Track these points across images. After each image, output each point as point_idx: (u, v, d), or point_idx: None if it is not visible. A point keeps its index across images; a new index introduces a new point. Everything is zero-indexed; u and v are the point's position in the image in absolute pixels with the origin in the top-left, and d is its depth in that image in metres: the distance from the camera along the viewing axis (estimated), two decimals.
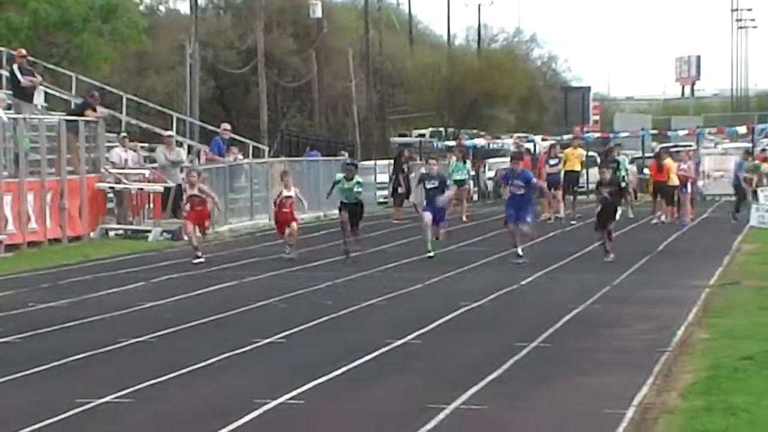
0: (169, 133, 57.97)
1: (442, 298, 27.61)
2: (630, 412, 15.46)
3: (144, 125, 60.62)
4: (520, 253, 34.36)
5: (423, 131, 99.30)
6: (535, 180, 37.40)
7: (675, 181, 53.24)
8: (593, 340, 22.35)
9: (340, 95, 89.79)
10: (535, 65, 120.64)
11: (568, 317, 24.52)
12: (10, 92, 49.14)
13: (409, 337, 22.32)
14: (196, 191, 36.33)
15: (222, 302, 27.73)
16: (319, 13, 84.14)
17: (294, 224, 37.61)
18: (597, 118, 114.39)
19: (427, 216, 35.70)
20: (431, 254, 35.39)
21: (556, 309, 25.24)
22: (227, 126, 57.69)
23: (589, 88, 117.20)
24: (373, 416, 15.95)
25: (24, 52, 51.41)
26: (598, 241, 36.24)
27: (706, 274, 32.05)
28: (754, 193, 52.59)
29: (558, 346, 21.42)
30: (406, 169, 62.95)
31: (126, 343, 21.90)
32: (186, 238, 36.84)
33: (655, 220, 54.17)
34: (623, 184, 39.93)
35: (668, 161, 55.21)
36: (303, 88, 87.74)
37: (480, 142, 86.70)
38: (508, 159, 70.41)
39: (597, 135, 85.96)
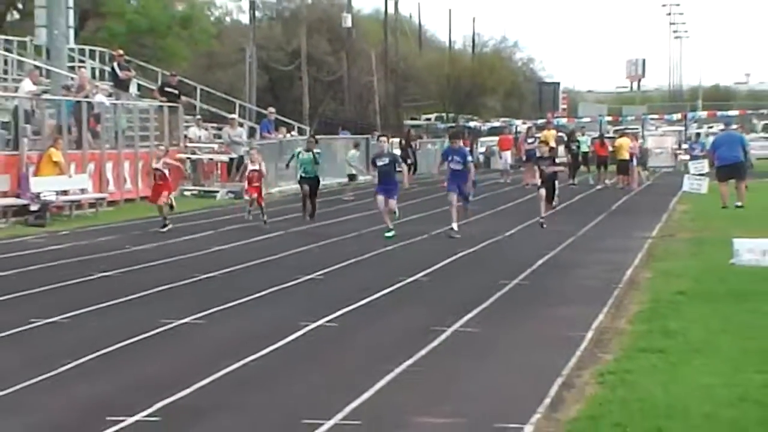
0: (233, 116, 58.59)
1: (443, 246, 27.47)
2: (589, 334, 15.54)
3: (213, 110, 60.81)
4: (455, 228, 28.86)
5: (429, 116, 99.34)
6: (470, 158, 31.49)
7: (626, 156, 54.20)
8: (561, 279, 22.42)
9: (364, 87, 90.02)
10: (517, 65, 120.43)
11: (541, 261, 24.53)
12: (111, 83, 49.42)
13: (419, 275, 22.33)
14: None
15: (272, 247, 27.96)
16: (349, 23, 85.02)
17: (255, 194, 32.78)
18: (565, 106, 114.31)
19: (380, 199, 29.38)
20: (390, 234, 28.89)
21: (533, 255, 25.15)
22: (272, 109, 59.92)
23: (558, 84, 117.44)
24: (391, 335, 16.20)
25: (121, 52, 52.33)
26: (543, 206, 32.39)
27: (649, 228, 32.07)
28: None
29: (533, 283, 21.51)
30: (413, 145, 63.40)
31: (198, 278, 22.32)
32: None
33: (600, 186, 55.92)
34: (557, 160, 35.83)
35: (623, 140, 56.37)
36: (336, 81, 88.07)
37: (473, 124, 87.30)
38: (495, 138, 72.69)
39: (564, 120, 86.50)
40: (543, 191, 31.23)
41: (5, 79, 44.01)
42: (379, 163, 30.21)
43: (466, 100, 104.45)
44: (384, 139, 36.78)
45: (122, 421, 10.77)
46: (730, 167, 39.73)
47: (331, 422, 10.76)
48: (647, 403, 11.16)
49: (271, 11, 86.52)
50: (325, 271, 23.45)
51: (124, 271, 23.73)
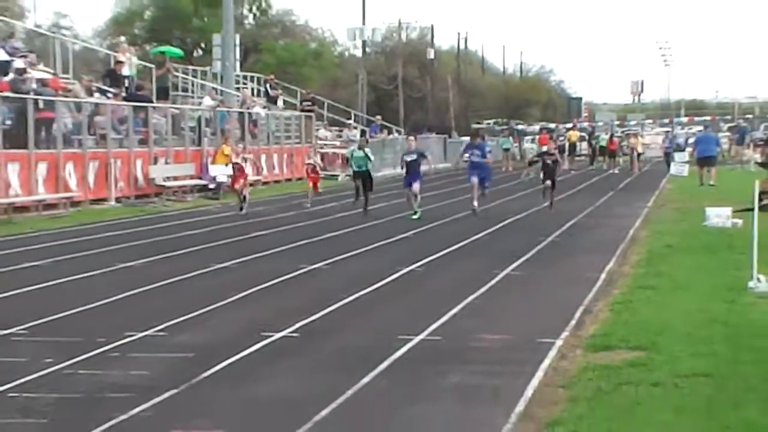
0: (350, 122, 60.17)
1: (497, 214, 26.95)
2: (603, 275, 15.45)
3: (336, 117, 61.34)
4: (476, 206, 25.96)
5: (489, 121, 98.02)
6: (489, 150, 29.08)
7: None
8: (582, 237, 22.21)
9: (443, 101, 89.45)
10: (552, 84, 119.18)
11: (569, 224, 24.32)
12: (265, 99, 50.22)
13: (479, 235, 22.16)
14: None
15: (374, 216, 26.86)
16: (432, 56, 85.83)
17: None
18: (586, 114, 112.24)
19: (414, 186, 25.70)
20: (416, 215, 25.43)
21: (563, 219, 24.91)
22: (378, 117, 61.58)
23: (581, 98, 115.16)
24: (461, 276, 16.09)
25: (272, 77, 53.67)
26: (543, 188, 29.06)
27: (645, 200, 31.46)
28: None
29: (563, 240, 21.39)
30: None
31: (325, 236, 22.14)
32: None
33: (611, 170, 54.23)
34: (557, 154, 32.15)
35: (632, 139, 58.35)
36: (422, 97, 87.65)
37: (520, 127, 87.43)
38: (537, 137, 73.08)
39: (586, 124, 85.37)
40: (549, 182, 28.33)
41: (192, 97, 44.77)
42: (407, 158, 26.73)
43: (515, 110, 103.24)
44: (412, 138, 33.61)
45: (271, 336, 10.91)
46: (705, 158, 41.40)
47: (418, 338, 10.71)
48: (644, 324, 11.15)
49: (377, 47, 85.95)
50: (413, 232, 23.08)
51: (272, 231, 23.66)
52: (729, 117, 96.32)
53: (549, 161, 28.92)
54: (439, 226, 24.84)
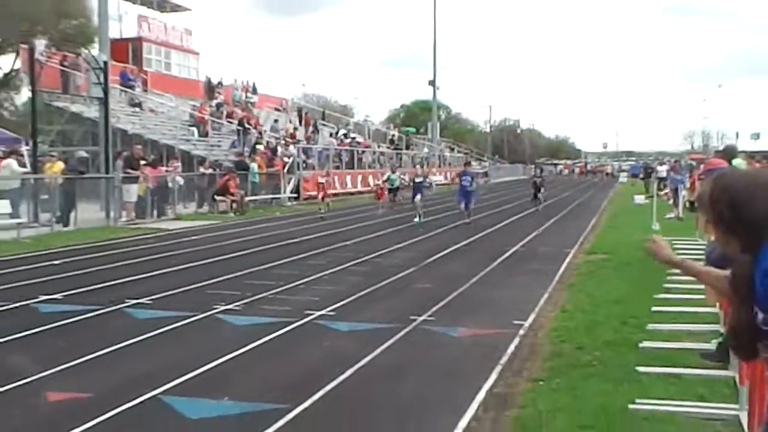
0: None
1: (504, 218, 31.26)
2: (590, 225, 25.11)
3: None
4: (468, 221, 27.80)
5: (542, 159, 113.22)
6: (474, 179, 30.13)
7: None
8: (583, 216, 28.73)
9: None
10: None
11: (574, 204, 30.27)
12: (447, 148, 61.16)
13: (474, 238, 24.37)
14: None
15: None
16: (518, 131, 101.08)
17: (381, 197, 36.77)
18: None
19: (416, 199, 30.22)
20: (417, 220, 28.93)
21: (567, 203, 30.99)
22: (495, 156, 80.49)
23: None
24: (489, 252, 20.87)
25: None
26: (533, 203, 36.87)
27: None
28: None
29: (571, 214, 27.76)
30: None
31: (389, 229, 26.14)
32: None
33: None
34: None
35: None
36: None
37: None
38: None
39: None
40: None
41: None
42: (417, 180, 31.71)
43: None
44: (419, 167, 43.91)
45: (363, 291, 14.78)
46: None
47: (513, 249, 20.33)
48: (609, 242, 21.45)
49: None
50: (452, 225, 26.92)
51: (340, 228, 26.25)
52: None
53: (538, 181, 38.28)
54: (503, 211, 31.10)
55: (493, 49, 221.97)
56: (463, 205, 28.39)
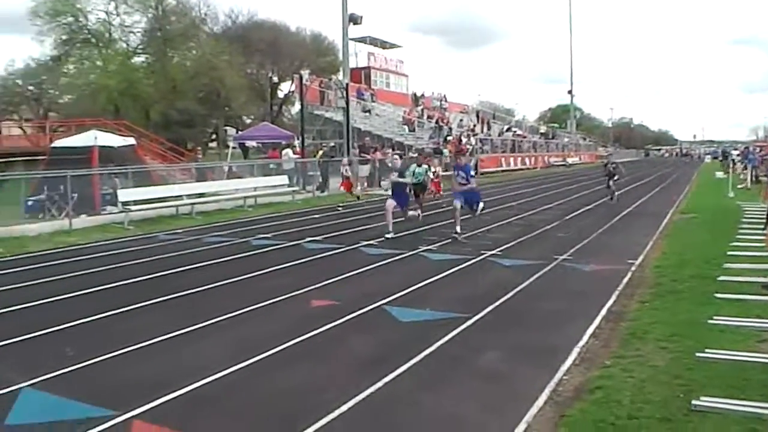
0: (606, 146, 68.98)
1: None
2: (682, 195, 24.54)
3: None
4: (458, 230, 13.97)
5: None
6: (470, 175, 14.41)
7: None
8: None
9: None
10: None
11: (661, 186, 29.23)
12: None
13: (599, 202, 21.67)
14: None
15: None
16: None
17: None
18: None
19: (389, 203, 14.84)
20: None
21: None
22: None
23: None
24: (595, 219, 19.81)
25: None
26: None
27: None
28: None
29: (655, 198, 25.29)
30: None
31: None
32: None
33: None
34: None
35: None
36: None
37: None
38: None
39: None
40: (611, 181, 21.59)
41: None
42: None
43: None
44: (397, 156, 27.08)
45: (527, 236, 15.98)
46: None
47: (597, 232, 15.10)
48: (695, 205, 20.00)
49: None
50: (584, 193, 24.80)
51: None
52: None
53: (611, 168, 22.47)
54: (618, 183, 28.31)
55: (614, 64, 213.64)
56: (459, 203, 14.21)
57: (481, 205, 14.43)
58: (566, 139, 72.28)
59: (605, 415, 4.90)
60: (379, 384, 5.59)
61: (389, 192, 15.58)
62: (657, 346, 6.48)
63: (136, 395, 5.34)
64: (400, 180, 15.31)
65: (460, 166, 14.69)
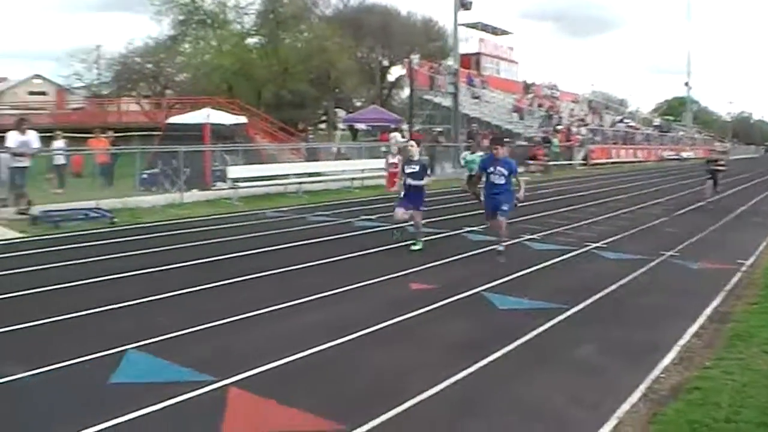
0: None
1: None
2: None
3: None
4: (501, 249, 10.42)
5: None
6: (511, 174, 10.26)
7: None
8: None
9: None
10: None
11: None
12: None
13: (711, 199, 21.81)
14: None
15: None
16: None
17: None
18: None
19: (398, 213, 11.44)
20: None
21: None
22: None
23: None
24: (706, 217, 18.66)
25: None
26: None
27: None
28: None
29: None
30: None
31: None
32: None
33: None
34: None
35: None
36: None
37: None
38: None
39: None
40: (710, 181, 18.55)
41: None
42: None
43: None
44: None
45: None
46: None
47: (708, 230, 14.31)
48: None
49: None
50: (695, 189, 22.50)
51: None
52: None
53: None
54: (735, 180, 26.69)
55: (734, 55, 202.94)
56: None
57: (504, 214, 10.34)
58: (681, 133, 69.75)
59: (701, 417, 4.77)
60: (472, 369, 5.62)
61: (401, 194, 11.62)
62: (761, 350, 6.24)
63: (233, 364, 5.52)
64: (415, 183, 11.23)
65: (497, 160, 10.28)
